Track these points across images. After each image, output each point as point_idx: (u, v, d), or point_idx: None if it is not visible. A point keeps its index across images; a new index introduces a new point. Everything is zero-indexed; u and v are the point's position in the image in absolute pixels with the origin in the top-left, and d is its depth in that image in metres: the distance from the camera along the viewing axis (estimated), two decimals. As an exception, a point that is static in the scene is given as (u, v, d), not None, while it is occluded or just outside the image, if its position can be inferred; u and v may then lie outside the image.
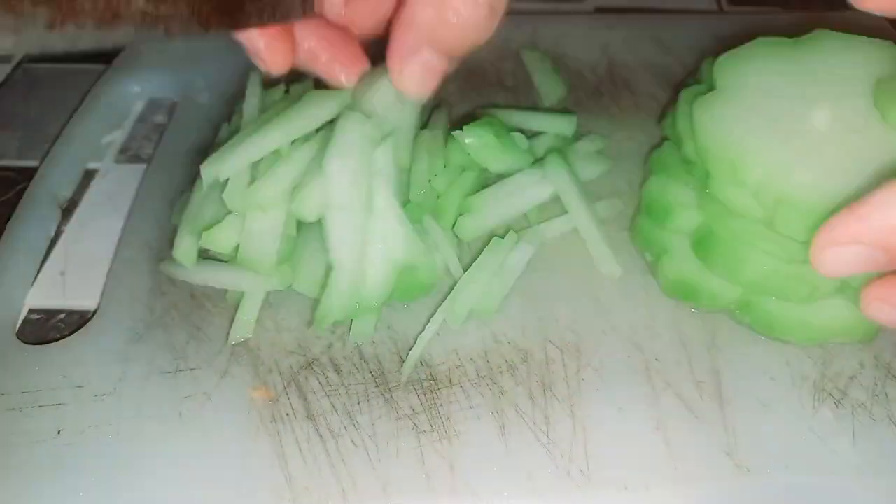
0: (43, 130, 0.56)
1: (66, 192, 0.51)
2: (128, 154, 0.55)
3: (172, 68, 0.59)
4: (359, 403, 0.38)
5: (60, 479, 0.35)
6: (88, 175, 0.53)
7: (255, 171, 0.41)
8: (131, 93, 0.58)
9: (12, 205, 0.48)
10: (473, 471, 0.35)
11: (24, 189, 0.49)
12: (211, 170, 0.39)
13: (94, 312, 0.43)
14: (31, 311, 0.44)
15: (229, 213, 0.40)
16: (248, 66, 0.53)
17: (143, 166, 0.53)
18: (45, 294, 0.45)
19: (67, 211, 0.50)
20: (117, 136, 0.56)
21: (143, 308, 0.42)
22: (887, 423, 0.37)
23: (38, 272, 0.46)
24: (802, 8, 0.68)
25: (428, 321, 0.40)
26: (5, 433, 0.37)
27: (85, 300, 0.44)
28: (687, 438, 0.36)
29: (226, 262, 0.42)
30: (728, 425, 0.37)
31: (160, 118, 0.57)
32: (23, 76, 0.61)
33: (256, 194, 0.39)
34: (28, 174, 0.50)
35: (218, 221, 0.40)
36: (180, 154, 0.52)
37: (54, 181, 0.51)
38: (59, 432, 0.37)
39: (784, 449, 0.36)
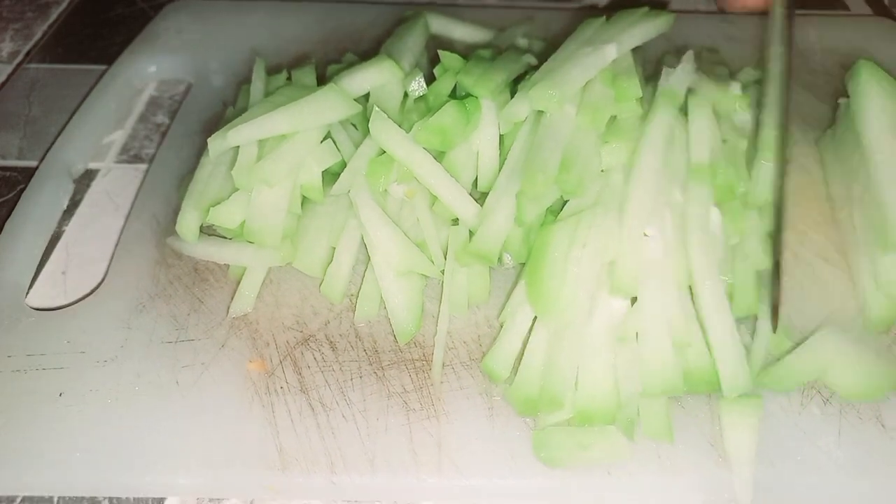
0: (44, 130, 0.56)
1: (81, 166, 0.53)
2: (129, 154, 0.55)
3: (187, 51, 0.60)
4: (352, 380, 0.39)
5: (60, 439, 0.36)
6: (90, 175, 0.53)
7: (262, 149, 0.42)
8: (147, 73, 0.59)
9: (13, 204, 0.48)
10: (459, 449, 0.36)
11: (26, 189, 0.49)
12: (218, 143, 0.40)
13: (101, 282, 0.44)
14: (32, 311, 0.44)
15: (233, 190, 0.41)
16: (257, 51, 0.54)
17: (144, 166, 0.53)
18: (46, 293, 0.45)
19: (68, 211, 0.50)
20: (119, 136, 0.56)
21: (147, 280, 0.43)
22: (874, 422, 0.37)
23: (45, 255, 0.47)
24: (801, 9, 0.68)
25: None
26: (10, 394, 0.38)
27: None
28: (673, 427, 0.37)
29: (229, 238, 0.44)
30: (714, 417, 0.37)
31: (161, 118, 0.58)
32: (23, 76, 0.61)
33: (263, 169, 0.40)
34: (29, 174, 0.50)
35: (222, 198, 0.41)
36: (192, 133, 0.53)
37: (70, 156, 0.52)
38: (60, 395, 0.38)
39: (769, 444, 0.36)
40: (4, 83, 0.61)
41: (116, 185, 0.52)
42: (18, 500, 0.36)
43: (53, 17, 0.69)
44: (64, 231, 0.49)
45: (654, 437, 0.36)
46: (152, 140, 0.56)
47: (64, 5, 0.71)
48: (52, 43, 0.66)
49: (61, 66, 0.63)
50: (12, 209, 0.48)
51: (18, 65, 0.63)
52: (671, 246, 0.39)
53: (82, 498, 0.36)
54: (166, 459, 0.36)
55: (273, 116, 0.41)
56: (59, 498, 0.36)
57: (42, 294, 0.45)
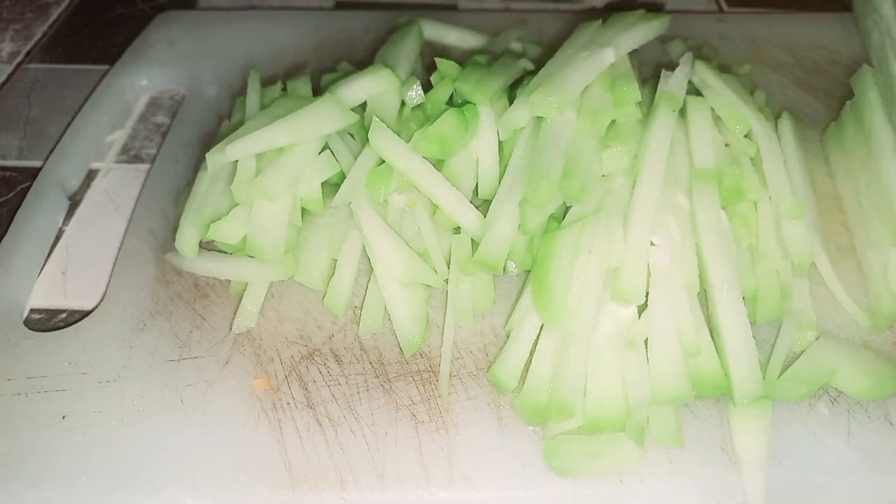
0: (44, 131, 0.56)
1: (75, 182, 0.52)
2: (129, 154, 0.55)
3: (179, 63, 0.59)
4: (358, 393, 0.38)
5: (64, 463, 0.36)
6: (90, 175, 0.53)
7: (260, 162, 0.42)
8: (139, 86, 0.59)
9: (13, 205, 0.48)
10: (469, 461, 0.36)
11: (26, 189, 0.49)
12: (216, 157, 0.39)
13: (101, 301, 0.43)
14: (32, 311, 0.44)
15: (232, 204, 0.41)
16: (250, 62, 0.53)
17: (144, 166, 0.53)
18: (46, 294, 0.45)
19: (69, 211, 0.50)
20: (119, 136, 0.56)
21: (148, 297, 0.43)
22: (882, 421, 0.37)
23: (43, 267, 0.47)
24: (801, 9, 0.68)
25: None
26: (11, 417, 0.37)
27: (86, 300, 0.44)
28: (683, 433, 0.37)
29: (229, 252, 0.43)
30: (724, 421, 0.37)
31: (161, 118, 0.57)
32: (23, 76, 0.61)
33: (262, 183, 0.40)
34: (30, 174, 0.50)
35: (221, 213, 0.41)
36: (187, 146, 0.52)
37: (63, 171, 0.51)
38: (63, 417, 0.37)
39: (779, 444, 0.36)
40: (4, 83, 0.61)
41: (116, 185, 0.52)
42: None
43: (53, 17, 0.69)
44: (64, 231, 0.49)
45: (664, 443, 0.36)
46: (152, 140, 0.56)
47: (64, 5, 0.70)
48: (52, 43, 0.65)
49: (61, 67, 0.62)
50: (12, 209, 0.47)
51: (18, 65, 0.62)
52: (678, 252, 0.39)
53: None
54: (173, 480, 0.35)
55: (271, 129, 0.40)
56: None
57: (42, 294, 0.45)
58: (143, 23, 0.64)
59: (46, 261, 0.47)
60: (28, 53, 0.64)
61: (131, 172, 0.53)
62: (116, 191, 0.51)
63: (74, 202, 0.51)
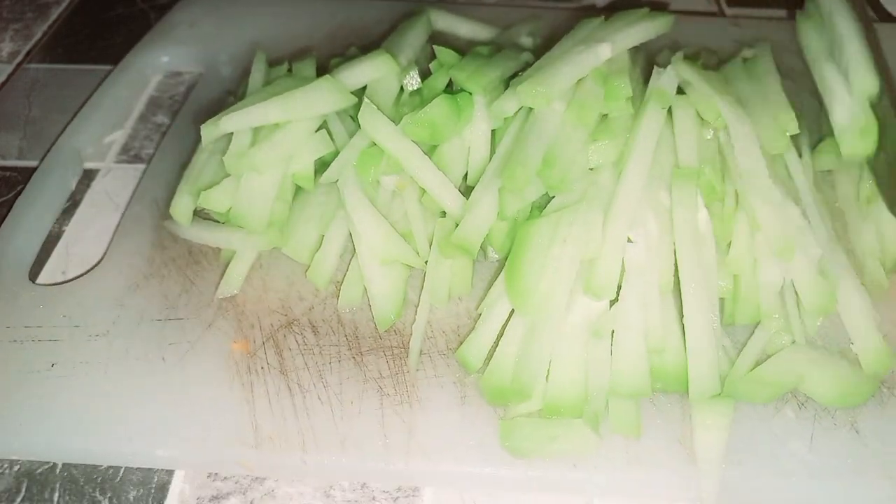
0: (44, 131, 0.56)
1: (92, 150, 0.55)
2: (129, 154, 0.55)
3: (199, 43, 0.62)
4: (330, 364, 0.40)
5: (50, 408, 0.38)
6: (90, 175, 0.53)
7: (255, 137, 0.43)
8: (160, 63, 0.61)
9: (11, 205, 0.48)
10: (429, 435, 0.36)
11: (36, 170, 0.50)
12: (210, 129, 0.41)
13: (100, 261, 0.46)
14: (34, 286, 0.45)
15: (226, 175, 0.43)
16: (265, 45, 0.55)
17: (144, 166, 0.53)
18: None
19: (69, 211, 0.51)
20: (118, 136, 0.57)
21: (143, 261, 0.45)
22: (849, 429, 0.37)
23: (45, 258, 0.48)
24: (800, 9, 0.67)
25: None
26: (4, 362, 0.40)
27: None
28: (642, 424, 0.37)
29: (222, 222, 0.45)
30: (685, 416, 0.37)
31: (161, 118, 0.58)
32: (23, 76, 0.62)
33: (253, 157, 0.41)
34: (30, 174, 0.50)
35: (215, 183, 0.43)
36: (197, 122, 0.54)
37: (82, 139, 0.54)
38: (52, 365, 0.40)
39: (740, 444, 0.36)
40: (4, 83, 0.61)
41: (116, 184, 0.53)
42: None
43: (53, 17, 0.70)
44: (64, 231, 0.50)
45: (621, 433, 0.36)
46: (152, 140, 0.56)
47: (64, 5, 0.71)
48: (52, 43, 0.66)
49: (61, 67, 0.63)
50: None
51: (18, 65, 0.63)
52: (654, 249, 0.39)
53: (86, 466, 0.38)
54: (147, 431, 0.37)
55: (265, 105, 0.42)
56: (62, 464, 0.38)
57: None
58: (144, 22, 0.65)
59: (48, 255, 0.48)
60: (28, 53, 0.65)
61: (131, 172, 0.53)
62: (116, 191, 0.52)
63: (74, 202, 0.51)
